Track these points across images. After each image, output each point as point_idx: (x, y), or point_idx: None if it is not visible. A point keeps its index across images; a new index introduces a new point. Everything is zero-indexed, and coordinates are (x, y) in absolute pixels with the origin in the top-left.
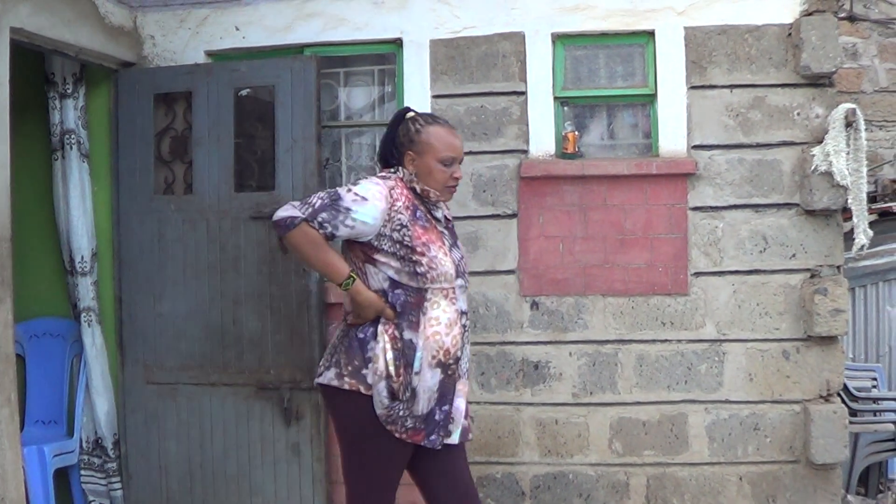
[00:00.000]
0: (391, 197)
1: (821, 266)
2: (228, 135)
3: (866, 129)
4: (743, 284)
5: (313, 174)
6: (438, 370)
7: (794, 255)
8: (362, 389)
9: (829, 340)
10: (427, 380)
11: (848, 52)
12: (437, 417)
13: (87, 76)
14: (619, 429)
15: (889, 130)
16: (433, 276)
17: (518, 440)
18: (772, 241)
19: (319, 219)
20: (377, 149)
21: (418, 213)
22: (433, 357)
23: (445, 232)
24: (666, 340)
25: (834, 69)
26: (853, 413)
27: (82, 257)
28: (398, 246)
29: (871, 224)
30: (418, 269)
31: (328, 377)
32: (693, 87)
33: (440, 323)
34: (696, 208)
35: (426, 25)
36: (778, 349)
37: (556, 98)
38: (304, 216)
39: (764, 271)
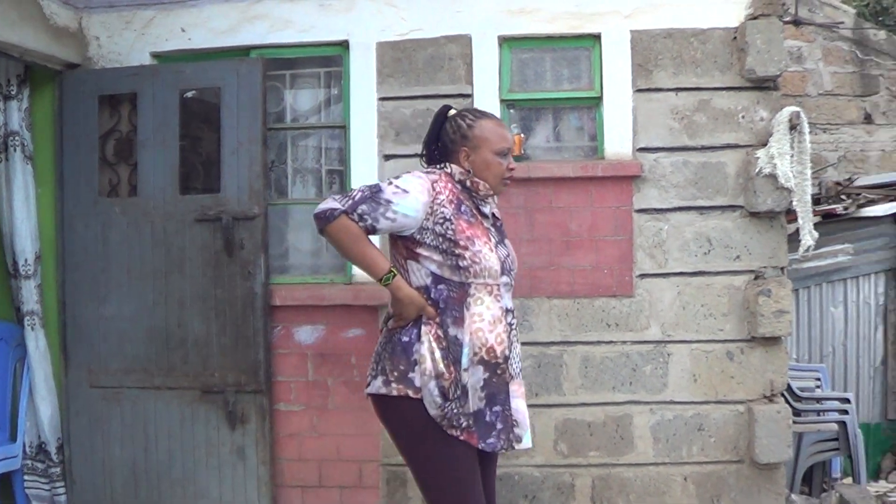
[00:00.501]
0: (433, 190)
1: (765, 267)
2: (174, 137)
3: (810, 132)
4: (687, 286)
5: (259, 176)
6: (481, 367)
7: (738, 257)
8: (411, 393)
9: (772, 341)
10: (473, 376)
11: (793, 56)
12: (487, 419)
13: (32, 77)
14: (564, 430)
15: (833, 133)
16: (476, 270)
17: None
18: (716, 242)
19: (359, 211)
20: (421, 150)
21: (463, 208)
22: (475, 354)
23: (492, 229)
24: (611, 342)
25: (779, 72)
26: (797, 413)
27: (26, 260)
28: (441, 239)
29: (815, 226)
30: (461, 263)
31: (376, 386)
32: (639, 90)
33: (483, 319)
34: (641, 210)
35: (373, 28)
36: (722, 350)
37: (502, 101)
38: (343, 208)
39: (708, 273)
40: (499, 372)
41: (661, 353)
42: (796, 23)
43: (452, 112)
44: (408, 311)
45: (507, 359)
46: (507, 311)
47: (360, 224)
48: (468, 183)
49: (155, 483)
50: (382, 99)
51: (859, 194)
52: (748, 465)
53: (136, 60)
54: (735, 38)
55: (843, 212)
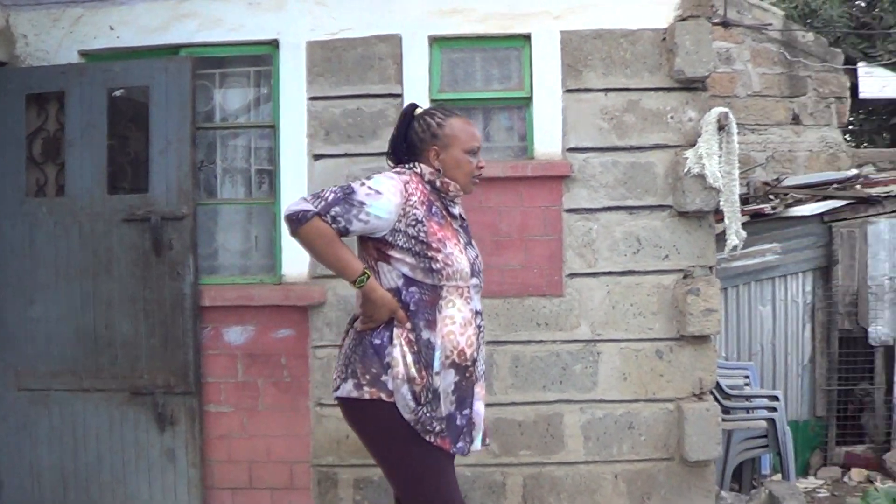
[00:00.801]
0: (406, 191)
1: (693, 267)
2: (102, 136)
3: (739, 133)
4: (617, 285)
5: (188, 176)
6: (452, 371)
7: (667, 256)
8: (384, 397)
9: (701, 340)
10: (445, 380)
11: (721, 57)
12: (458, 423)
13: None
14: (494, 429)
15: (761, 134)
16: (448, 273)
17: None
18: (645, 242)
19: (332, 213)
20: (387, 149)
21: (434, 209)
22: (447, 357)
23: (460, 230)
24: (541, 341)
25: (707, 73)
26: (726, 411)
27: None
28: (413, 241)
29: (744, 225)
30: (434, 266)
31: (346, 389)
32: (568, 91)
33: (455, 322)
34: (570, 210)
35: (303, 27)
36: (651, 349)
37: (432, 100)
38: (316, 210)
39: (637, 272)
40: (467, 375)
41: (591, 353)
42: (725, 24)
43: (419, 111)
44: (380, 313)
45: (474, 361)
46: (477, 312)
47: (334, 226)
48: (438, 183)
49: (84, 486)
50: (312, 98)
51: (787, 194)
52: (678, 462)
53: (64, 59)
54: (664, 39)
55: (772, 211)
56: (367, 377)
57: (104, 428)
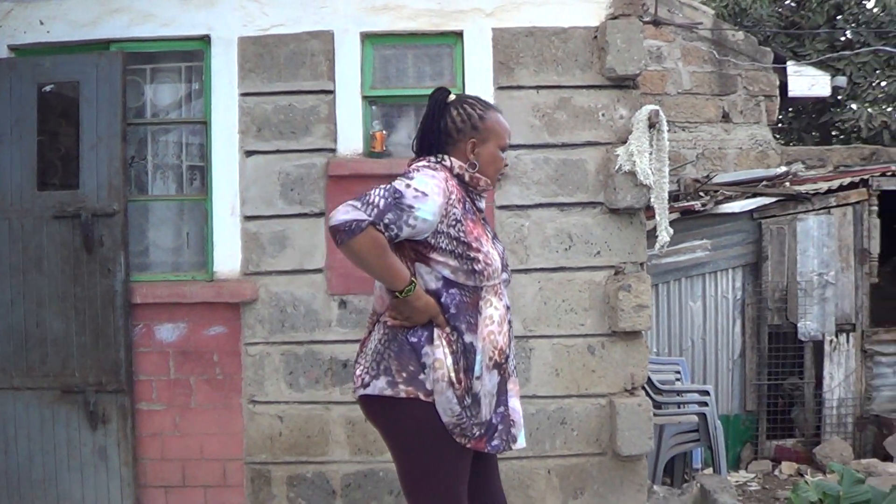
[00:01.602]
0: (447, 189)
1: (624, 263)
2: (31, 132)
3: (669, 130)
4: (549, 281)
5: (118, 172)
6: (496, 371)
7: (598, 253)
8: (422, 396)
9: (633, 335)
10: (487, 383)
11: (652, 55)
12: (493, 421)
13: None
14: None
15: (691, 131)
16: (489, 273)
17: (328, 439)
18: (577, 238)
19: (386, 220)
20: (416, 137)
21: (467, 206)
22: (490, 358)
23: (487, 224)
24: None
25: (638, 71)
26: (658, 406)
27: None
28: (455, 243)
29: (674, 222)
30: (476, 267)
31: (378, 387)
32: (500, 88)
33: (494, 322)
34: (502, 207)
35: (234, 23)
36: (583, 344)
37: (364, 97)
38: (371, 219)
39: (569, 268)
40: (501, 372)
41: (522, 348)
42: (656, 23)
43: (452, 97)
44: (419, 318)
45: (507, 358)
46: (508, 308)
47: (386, 234)
48: (467, 177)
49: (15, 485)
50: (244, 94)
51: (717, 191)
52: (611, 457)
53: None
54: (595, 37)
55: (702, 208)
56: (404, 375)
57: (35, 427)
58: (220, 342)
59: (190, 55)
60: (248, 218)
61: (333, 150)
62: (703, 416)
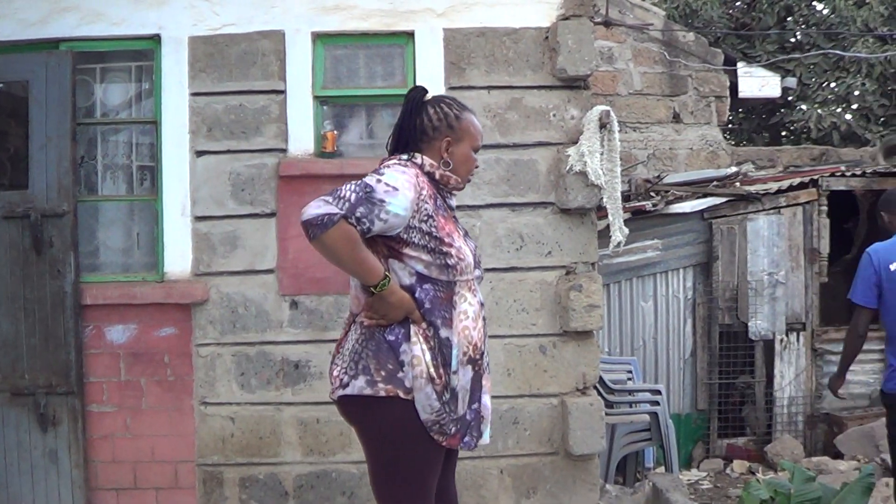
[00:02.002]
0: (418, 185)
1: (576, 263)
2: None
3: (620, 131)
4: (500, 282)
5: (68, 172)
6: (470, 367)
7: (549, 253)
8: (401, 394)
9: (584, 335)
10: (462, 378)
11: (604, 56)
12: (467, 417)
13: None
14: None
15: (643, 132)
16: (462, 267)
17: (280, 440)
18: (528, 239)
19: (357, 214)
20: (391, 134)
21: (438, 202)
22: (464, 353)
23: (457, 222)
24: None
25: (589, 72)
26: (610, 405)
27: None
28: (428, 238)
29: (625, 222)
30: (449, 262)
31: (357, 387)
32: (451, 88)
33: (468, 317)
34: (455, 207)
35: (185, 22)
36: (535, 344)
37: (315, 97)
38: (343, 212)
39: (521, 268)
40: (476, 368)
41: None
42: (607, 24)
43: (429, 96)
44: (395, 314)
45: (482, 354)
46: (482, 304)
47: (358, 228)
48: (437, 175)
49: None
50: (194, 94)
51: (668, 191)
52: (563, 456)
53: None
54: (547, 37)
55: (653, 208)
56: (383, 373)
57: None
58: (170, 343)
59: (140, 54)
60: (198, 218)
61: (284, 151)
62: (654, 415)
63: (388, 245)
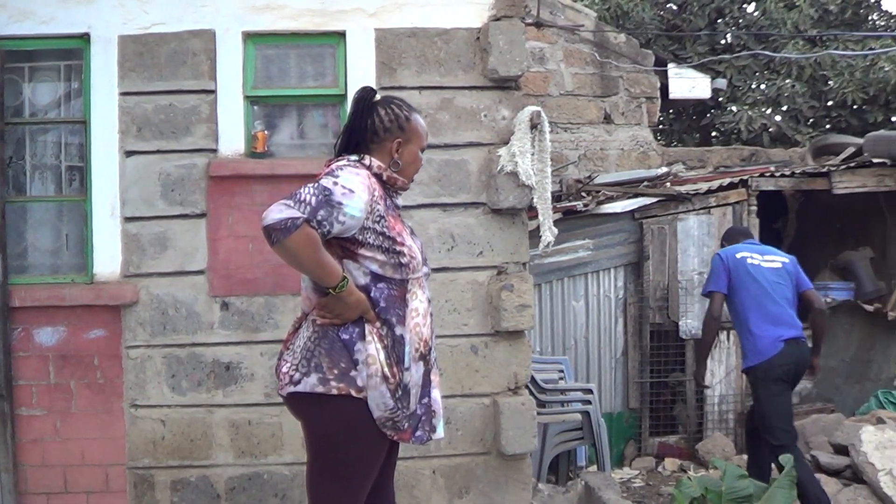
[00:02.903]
0: (371, 186)
1: (507, 263)
2: None
3: (552, 131)
4: (432, 282)
5: None
6: (421, 363)
7: (481, 253)
8: (353, 393)
9: (516, 335)
10: (414, 375)
11: (535, 57)
12: (418, 412)
13: None
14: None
15: (574, 132)
16: (413, 265)
17: (211, 442)
18: (459, 239)
19: (319, 217)
20: (340, 134)
21: (388, 202)
22: (416, 350)
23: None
24: None
25: (520, 73)
26: (542, 404)
27: None
28: (381, 238)
29: (556, 222)
30: (402, 261)
31: (309, 384)
32: (383, 88)
33: (419, 314)
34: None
35: (114, 21)
36: (467, 344)
37: (246, 97)
38: (305, 216)
39: (452, 269)
40: (426, 363)
41: None
42: (538, 24)
43: (378, 97)
44: (351, 314)
45: (430, 349)
46: (429, 301)
47: (319, 231)
48: (384, 176)
49: None
50: (124, 94)
51: (599, 192)
52: (495, 456)
53: None
54: (478, 38)
55: (584, 209)
56: (335, 371)
57: None
58: (100, 346)
59: (69, 53)
60: (128, 219)
61: (215, 151)
62: (586, 414)
63: (343, 246)
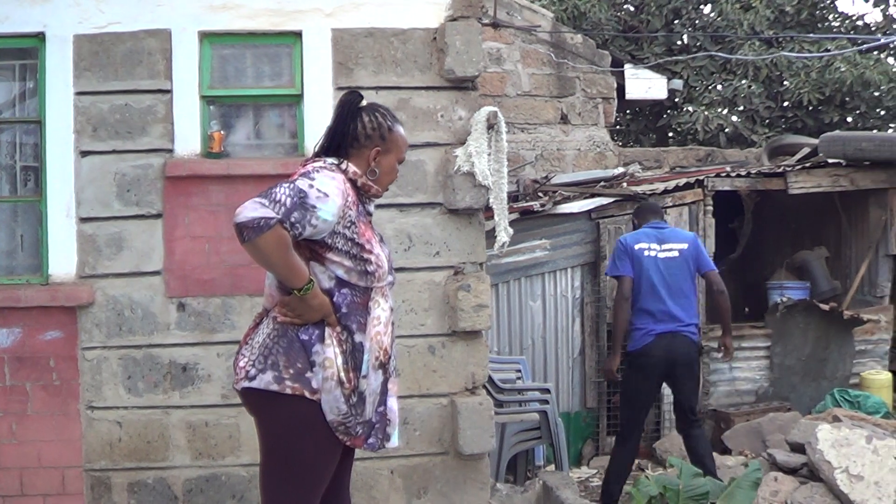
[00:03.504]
0: (345, 192)
1: (464, 263)
2: None
3: (509, 132)
4: None
5: None
6: (380, 371)
7: (438, 253)
8: (307, 394)
9: (473, 335)
10: (372, 383)
11: (492, 57)
12: (373, 420)
13: None
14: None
15: (531, 133)
16: (380, 274)
17: (168, 444)
18: (416, 239)
19: (292, 219)
20: (323, 136)
21: (360, 208)
22: (376, 358)
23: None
24: None
25: (477, 73)
26: (499, 404)
27: None
28: (350, 244)
29: (513, 223)
30: (368, 269)
31: (264, 381)
32: (339, 88)
33: (381, 322)
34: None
35: (70, 20)
36: (424, 345)
37: (202, 97)
38: (279, 216)
39: (409, 269)
40: (385, 372)
41: None
42: (495, 25)
43: (365, 103)
44: (313, 316)
45: (390, 358)
46: (392, 309)
47: (291, 232)
48: (359, 183)
49: None
50: (79, 93)
51: (556, 192)
52: (453, 456)
53: None
54: (435, 38)
55: (541, 209)
56: (291, 371)
57: None
58: (56, 347)
59: (24, 53)
60: (83, 220)
61: (171, 151)
62: (544, 413)
63: (312, 249)
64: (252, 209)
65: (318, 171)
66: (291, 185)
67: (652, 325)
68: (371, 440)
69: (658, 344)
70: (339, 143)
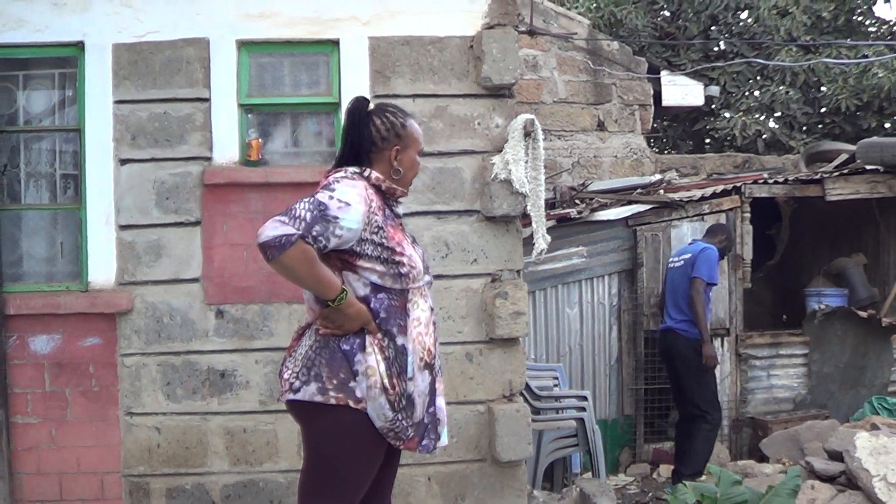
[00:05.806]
0: (368, 197)
1: (501, 270)
2: None
3: (545, 139)
4: None
5: None
6: (427, 372)
7: (475, 261)
8: (351, 403)
9: (510, 342)
10: (419, 384)
11: (528, 64)
12: (425, 421)
13: None
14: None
15: (567, 140)
16: (414, 275)
17: (207, 450)
18: (454, 246)
19: (314, 233)
20: (340, 148)
21: (386, 212)
22: (421, 360)
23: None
24: None
25: (514, 81)
26: (536, 411)
27: None
28: (380, 249)
29: (550, 230)
30: (402, 270)
31: (308, 393)
32: (376, 97)
33: (421, 323)
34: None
35: (109, 29)
36: (461, 352)
37: (240, 105)
38: (300, 232)
39: (446, 276)
40: (432, 372)
41: None
42: (532, 33)
43: (371, 106)
44: (352, 325)
45: (435, 358)
46: (432, 309)
47: (315, 246)
48: (383, 187)
49: None
50: (118, 102)
51: (593, 199)
52: (490, 463)
53: None
54: (471, 46)
55: (578, 216)
56: (335, 382)
57: None
58: (95, 353)
59: (63, 61)
60: (122, 227)
61: (209, 159)
62: (581, 420)
63: (342, 258)
64: (272, 228)
65: (338, 182)
66: (311, 199)
67: (663, 324)
68: (425, 442)
69: (659, 339)
70: (357, 151)
